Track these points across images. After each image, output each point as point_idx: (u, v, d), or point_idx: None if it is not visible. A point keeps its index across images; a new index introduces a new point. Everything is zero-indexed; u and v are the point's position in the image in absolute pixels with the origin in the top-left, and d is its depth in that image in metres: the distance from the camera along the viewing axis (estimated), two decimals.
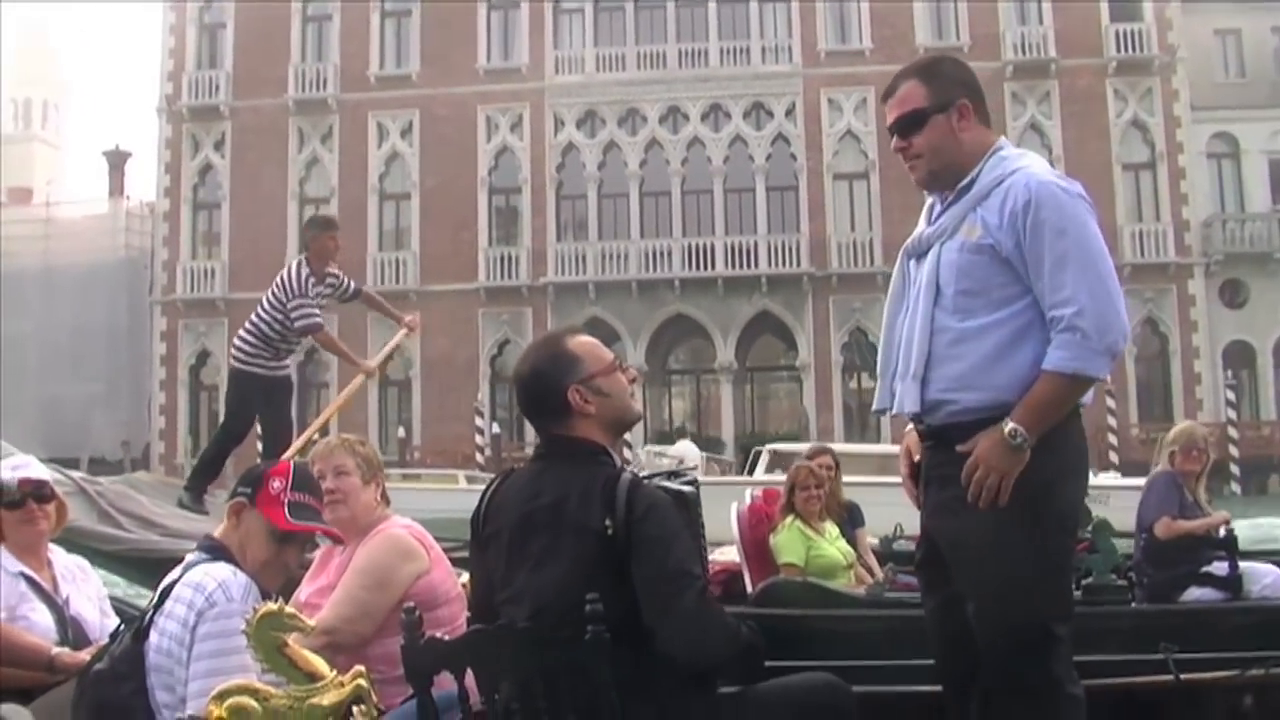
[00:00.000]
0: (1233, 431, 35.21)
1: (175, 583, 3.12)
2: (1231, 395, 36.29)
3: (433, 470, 33.38)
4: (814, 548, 6.31)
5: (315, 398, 37.94)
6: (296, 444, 8.01)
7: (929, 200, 3.50)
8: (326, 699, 2.52)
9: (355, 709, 2.59)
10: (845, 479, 7.71)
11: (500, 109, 39.72)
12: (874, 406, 3.59)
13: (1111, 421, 34.20)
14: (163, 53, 41.86)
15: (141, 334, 41.50)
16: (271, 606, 2.56)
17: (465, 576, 3.59)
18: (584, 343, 3.22)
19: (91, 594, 4.09)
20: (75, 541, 5.00)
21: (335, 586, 3.78)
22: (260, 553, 3.21)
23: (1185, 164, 38.40)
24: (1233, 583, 6.11)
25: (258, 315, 8.03)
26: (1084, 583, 5.70)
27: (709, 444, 35.87)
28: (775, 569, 6.20)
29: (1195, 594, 6.15)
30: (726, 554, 6.52)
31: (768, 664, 3.21)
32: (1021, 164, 3.29)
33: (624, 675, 2.82)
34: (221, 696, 2.53)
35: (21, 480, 3.91)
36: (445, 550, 4.02)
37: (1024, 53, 38.55)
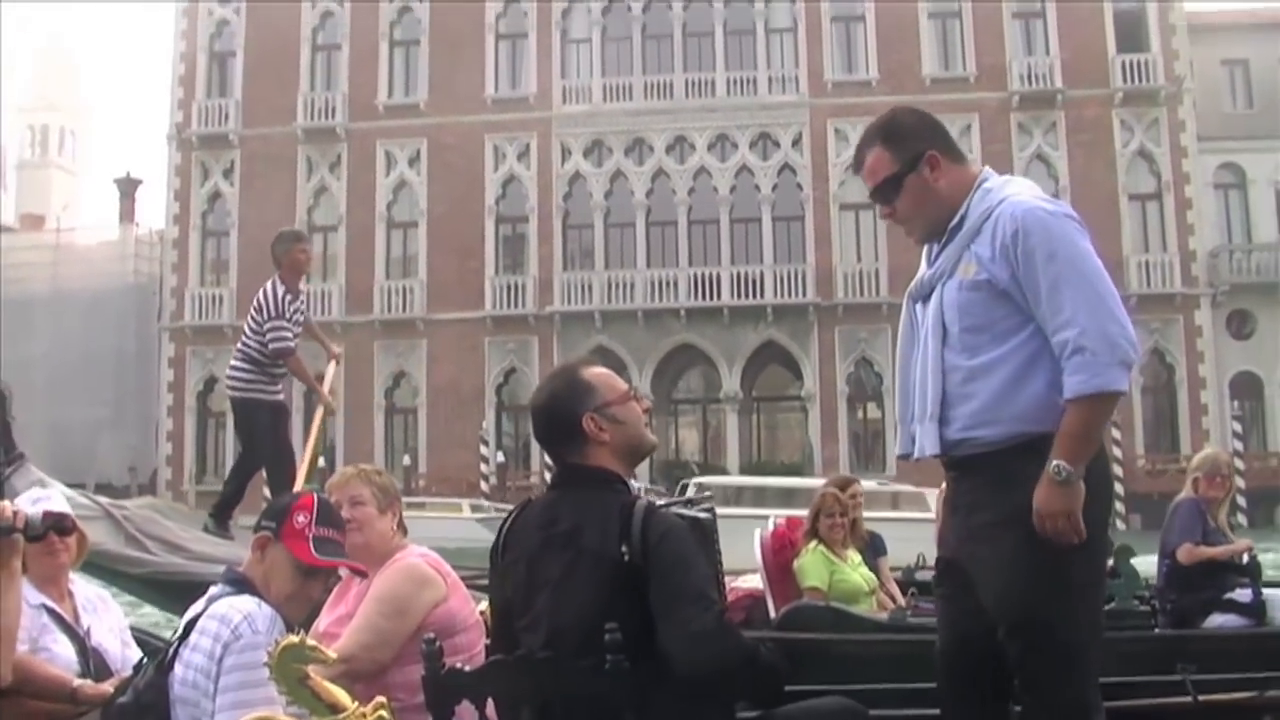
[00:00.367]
0: (1239, 462, 34.97)
1: (200, 615, 3.16)
2: (1238, 426, 36.17)
3: (437, 499, 33.46)
4: (837, 572, 6.38)
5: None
6: (300, 478, 7.98)
7: (926, 246, 3.54)
8: None
9: None
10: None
11: (508, 138, 39.89)
12: (897, 452, 3.62)
13: (1117, 452, 34.04)
14: (173, 81, 42.16)
15: (149, 360, 41.75)
16: (293, 639, 2.58)
17: (484, 604, 3.61)
18: (598, 373, 3.25)
19: (113, 625, 4.12)
20: (102, 565, 5.07)
21: (353, 615, 3.80)
22: (285, 586, 3.23)
23: (1192, 194, 38.37)
24: (1256, 609, 6.09)
25: (244, 341, 8.01)
26: (1107, 608, 5.75)
27: (712, 473, 35.87)
28: (798, 594, 6.24)
29: (1218, 620, 6.13)
30: (750, 580, 6.56)
31: (792, 688, 3.25)
32: (1006, 192, 3.31)
33: (643, 701, 2.85)
34: None
35: (45, 513, 3.87)
36: (463, 578, 4.04)
37: (1030, 83, 38.60)
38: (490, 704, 2.96)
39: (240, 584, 3.25)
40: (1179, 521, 6.43)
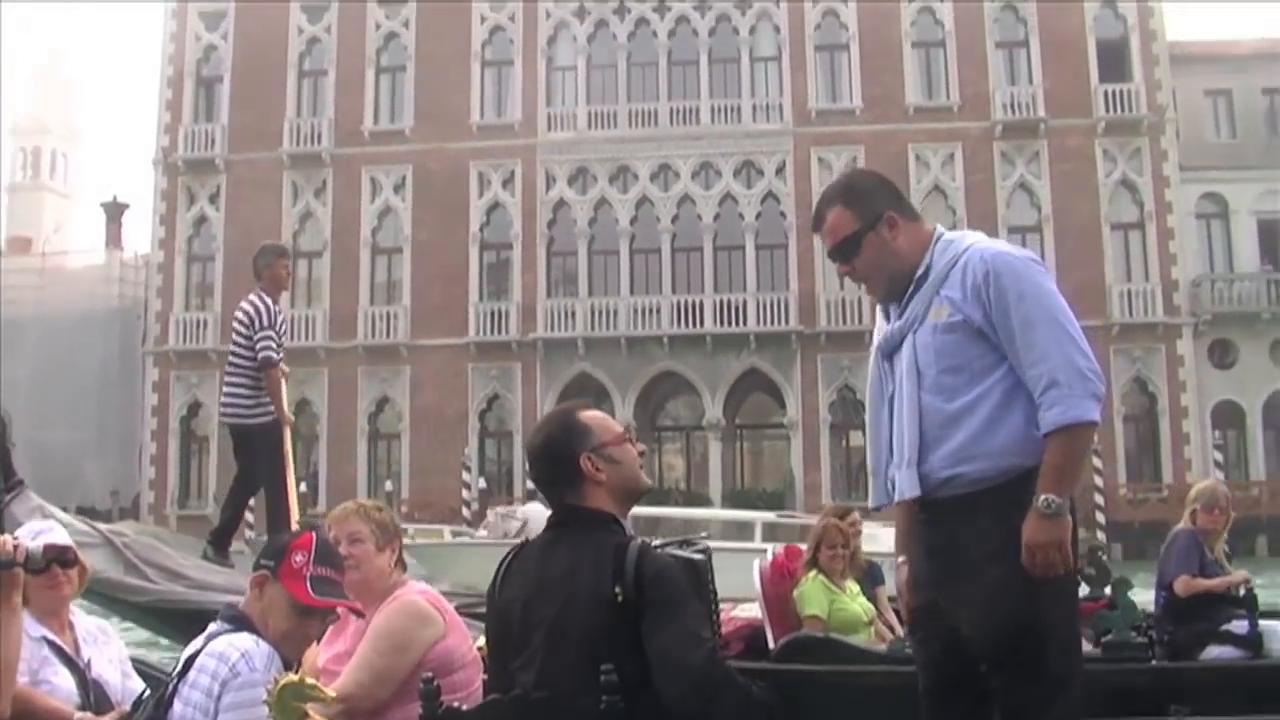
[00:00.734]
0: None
1: (199, 652, 3.19)
2: (1219, 455, 36.24)
3: (420, 525, 33.40)
4: (836, 602, 6.39)
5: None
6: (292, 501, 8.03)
7: (880, 303, 3.61)
8: None
9: None
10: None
11: (492, 164, 39.97)
12: (870, 504, 3.69)
13: (1099, 481, 34.09)
14: (159, 105, 42.24)
15: (133, 384, 41.73)
16: (293, 677, 2.61)
17: (482, 640, 3.63)
18: (594, 415, 3.30)
19: (113, 656, 4.14)
20: (102, 593, 5.08)
21: (351, 653, 3.81)
22: (282, 624, 3.26)
23: (1174, 224, 38.48)
24: (1253, 641, 6.07)
25: (234, 360, 7.99)
26: (1104, 639, 5.76)
27: (695, 500, 35.90)
28: (797, 624, 6.25)
29: (1215, 652, 6.13)
30: (748, 610, 6.55)
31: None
32: (969, 241, 3.44)
33: None
34: None
35: (46, 546, 3.90)
36: (462, 606, 4.05)
37: (1013, 112, 38.76)
38: None
39: (239, 621, 3.28)
40: (1176, 553, 6.45)
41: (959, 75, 39.32)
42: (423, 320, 39.13)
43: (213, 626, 3.30)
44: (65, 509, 6.11)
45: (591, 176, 39.77)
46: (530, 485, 36.17)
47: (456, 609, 4.08)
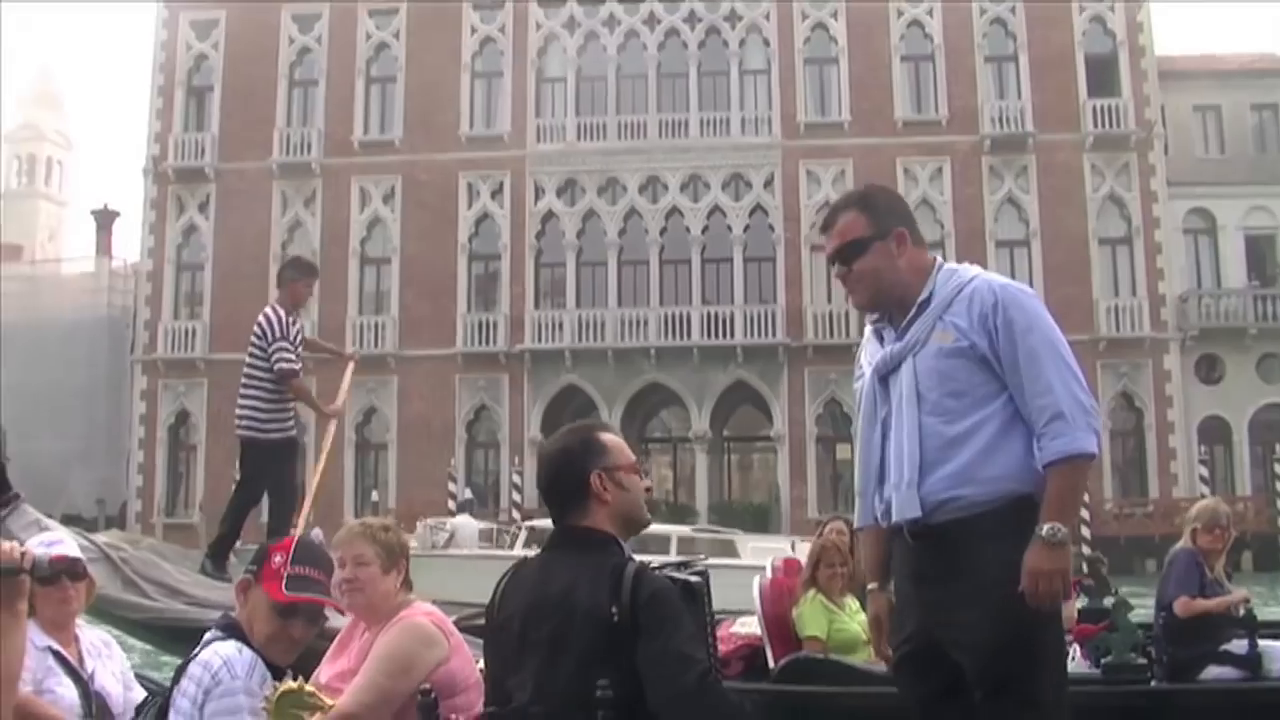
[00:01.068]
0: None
1: (190, 660, 3.23)
2: (1205, 470, 36.27)
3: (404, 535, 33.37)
4: (836, 622, 6.31)
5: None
6: (305, 509, 8.00)
7: (871, 330, 3.68)
8: None
9: None
10: None
11: (481, 176, 40.00)
12: (856, 524, 3.71)
13: (1085, 496, 34.01)
14: (150, 114, 42.28)
15: (121, 392, 41.72)
16: (292, 684, 2.65)
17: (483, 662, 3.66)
18: (613, 439, 3.34)
19: (116, 670, 4.16)
20: (101, 610, 5.03)
21: (355, 671, 3.81)
22: (265, 627, 3.29)
23: (1161, 239, 38.52)
24: (1252, 661, 6.05)
25: (249, 372, 7.96)
26: (1104, 661, 5.77)
27: (681, 513, 35.88)
28: (797, 643, 6.21)
29: (1214, 672, 6.11)
30: (748, 625, 6.54)
31: None
32: (974, 272, 3.51)
33: None
34: None
35: (55, 558, 3.88)
36: (464, 618, 4.05)
37: (1002, 126, 38.81)
38: None
39: (230, 629, 3.33)
40: (1176, 573, 6.41)
41: (948, 89, 39.38)
42: (411, 331, 39.15)
43: (208, 635, 3.34)
44: (50, 517, 6.09)
45: (580, 188, 39.78)
46: (463, 497, 36.35)
47: (458, 622, 4.10)
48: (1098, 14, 39.53)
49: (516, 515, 35.84)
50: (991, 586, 3.25)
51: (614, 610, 3.01)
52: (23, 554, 3.55)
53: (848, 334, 37.49)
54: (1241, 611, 6.38)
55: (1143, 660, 6.03)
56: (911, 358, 3.44)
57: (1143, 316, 37.83)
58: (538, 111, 40.56)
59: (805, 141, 39.20)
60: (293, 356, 7.87)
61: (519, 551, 21.20)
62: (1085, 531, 34.06)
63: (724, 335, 37.95)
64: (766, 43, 40.21)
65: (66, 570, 3.96)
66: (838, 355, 37.43)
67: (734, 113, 39.83)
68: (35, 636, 3.80)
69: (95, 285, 43.95)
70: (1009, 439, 3.35)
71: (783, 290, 38.50)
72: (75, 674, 3.96)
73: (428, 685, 3.13)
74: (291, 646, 3.35)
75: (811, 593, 6.38)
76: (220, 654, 3.19)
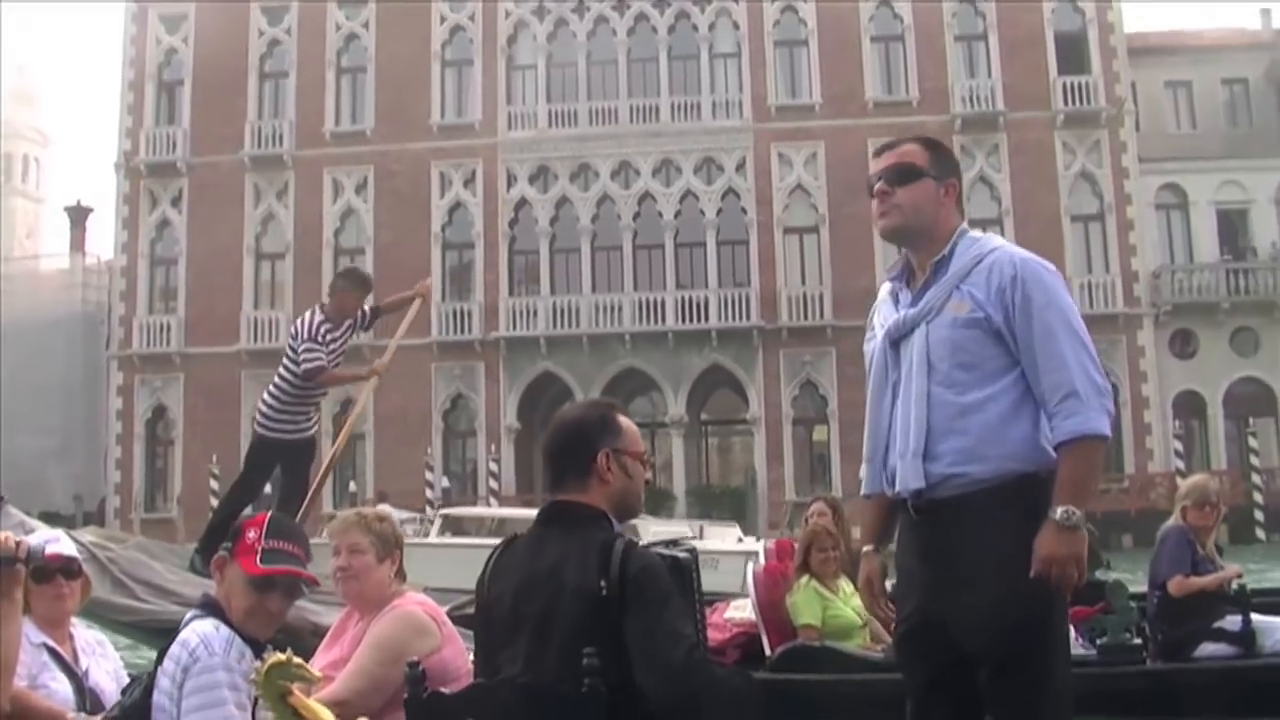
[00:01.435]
0: (1181, 481, 35.16)
1: (172, 641, 3.25)
2: (1180, 445, 36.38)
3: None
4: (830, 608, 6.29)
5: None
6: (327, 464, 8.17)
7: (887, 289, 3.62)
8: None
9: None
10: None
11: (454, 164, 39.95)
12: (864, 490, 3.63)
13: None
14: (121, 109, 42.15)
15: (97, 388, 41.67)
16: (280, 656, 2.62)
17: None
18: (629, 423, 3.35)
19: (110, 669, 4.20)
20: (91, 612, 5.02)
21: (348, 659, 3.86)
22: (242, 601, 3.28)
23: (1134, 215, 38.58)
24: (1245, 638, 6.10)
25: (279, 377, 8.01)
26: (1100, 643, 5.76)
27: (659, 497, 35.92)
28: (792, 630, 6.21)
29: (1209, 649, 6.14)
30: (742, 609, 6.55)
31: None
32: (996, 243, 3.47)
33: None
34: None
35: (51, 555, 3.96)
36: (458, 609, 4.09)
37: (973, 105, 38.82)
38: None
39: (210, 607, 3.33)
40: (1168, 552, 6.41)
41: (918, 70, 39.38)
42: (385, 321, 38.81)
43: (188, 615, 3.35)
44: (29, 514, 6.05)
45: (552, 175, 39.74)
46: (440, 485, 36.36)
47: (449, 612, 4.13)
48: None
49: (494, 502, 35.88)
50: (994, 565, 3.22)
51: (603, 585, 3.03)
52: (18, 544, 3.60)
53: (822, 316, 37.63)
54: (1234, 587, 6.39)
55: (1138, 640, 6.12)
56: (925, 325, 3.40)
57: (1116, 293, 37.89)
58: (509, 99, 40.50)
59: (776, 124, 39.19)
60: (320, 355, 7.91)
61: (434, 540, 21.17)
62: None
63: (698, 319, 37.95)
64: (736, 26, 40.14)
65: (62, 568, 4.01)
66: (812, 337, 37.62)
67: (705, 97, 39.78)
68: (30, 633, 3.86)
69: (70, 282, 43.92)
70: (1019, 416, 3.30)
71: (756, 273, 38.50)
72: (70, 670, 4.00)
73: (415, 659, 3.13)
74: (269, 620, 3.35)
75: (805, 579, 6.36)
76: (198, 632, 3.20)
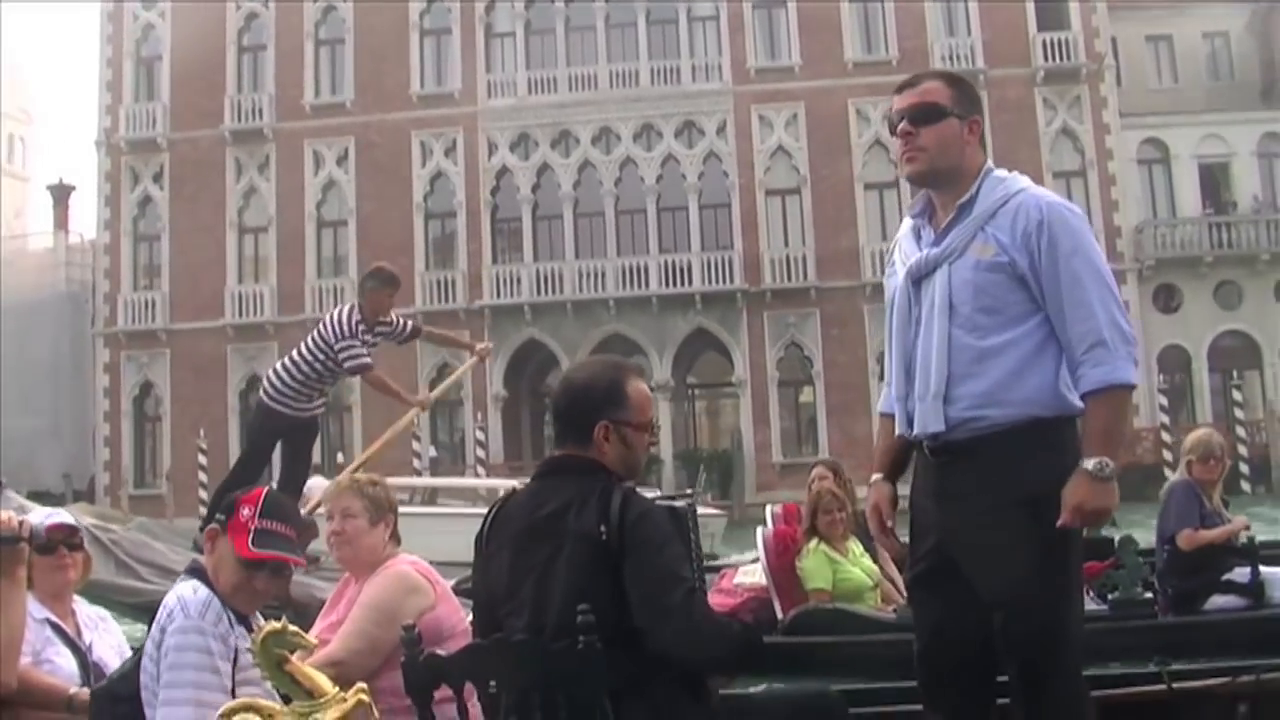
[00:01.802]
0: (1166, 436, 35.33)
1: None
2: (1164, 400, 36.44)
3: None
4: (840, 570, 6.29)
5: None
6: (350, 468, 8.03)
7: (909, 224, 3.57)
8: (329, 715, 2.57)
9: None
10: None
11: (434, 134, 39.85)
12: (897, 431, 3.57)
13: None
14: (100, 86, 42.00)
15: (84, 367, 41.67)
16: (276, 625, 2.62)
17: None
18: (639, 390, 3.31)
19: (114, 643, 4.21)
20: (97, 595, 5.01)
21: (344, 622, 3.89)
22: (230, 577, 3.30)
23: (1115, 170, 38.53)
24: (1254, 589, 6.12)
25: (299, 355, 7.98)
26: (1111, 597, 5.80)
27: (646, 462, 35.91)
28: (803, 594, 6.21)
29: (1219, 601, 6.16)
30: (751, 574, 6.55)
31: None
32: (1022, 184, 3.39)
33: (619, 681, 2.93)
34: (227, 715, 2.59)
35: (52, 526, 3.98)
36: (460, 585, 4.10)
37: (952, 63, 38.29)
38: (469, 694, 3.06)
39: (195, 573, 3.36)
40: (1175, 506, 6.42)
41: (897, 29, 39.21)
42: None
43: (179, 580, 3.39)
44: (19, 493, 6.05)
45: (533, 142, 39.63)
46: (428, 455, 36.40)
47: (454, 588, 4.14)
48: None
49: (482, 471, 35.97)
50: (1010, 509, 3.22)
51: (603, 530, 3.05)
52: (20, 523, 3.64)
53: (805, 277, 37.66)
54: (1242, 539, 6.42)
55: (1148, 595, 6.15)
56: (947, 265, 3.36)
57: (1099, 248, 37.75)
58: (488, 67, 40.34)
59: (756, 86, 39.08)
60: (364, 352, 7.94)
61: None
62: None
63: (682, 283, 37.94)
64: None
65: (64, 540, 4.02)
66: (796, 299, 37.64)
67: (684, 60, 39.64)
68: (33, 609, 3.87)
69: (54, 261, 43.85)
70: (1039, 362, 3.28)
71: (739, 236, 38.45)
72: (73, 645, 4.01)
73: (411, 622, 3.15)
74: (255, 597, 3.37)
75: (814, 542, 6.35)
76: (178, 593, 3.25)
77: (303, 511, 6.66)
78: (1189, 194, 39.14)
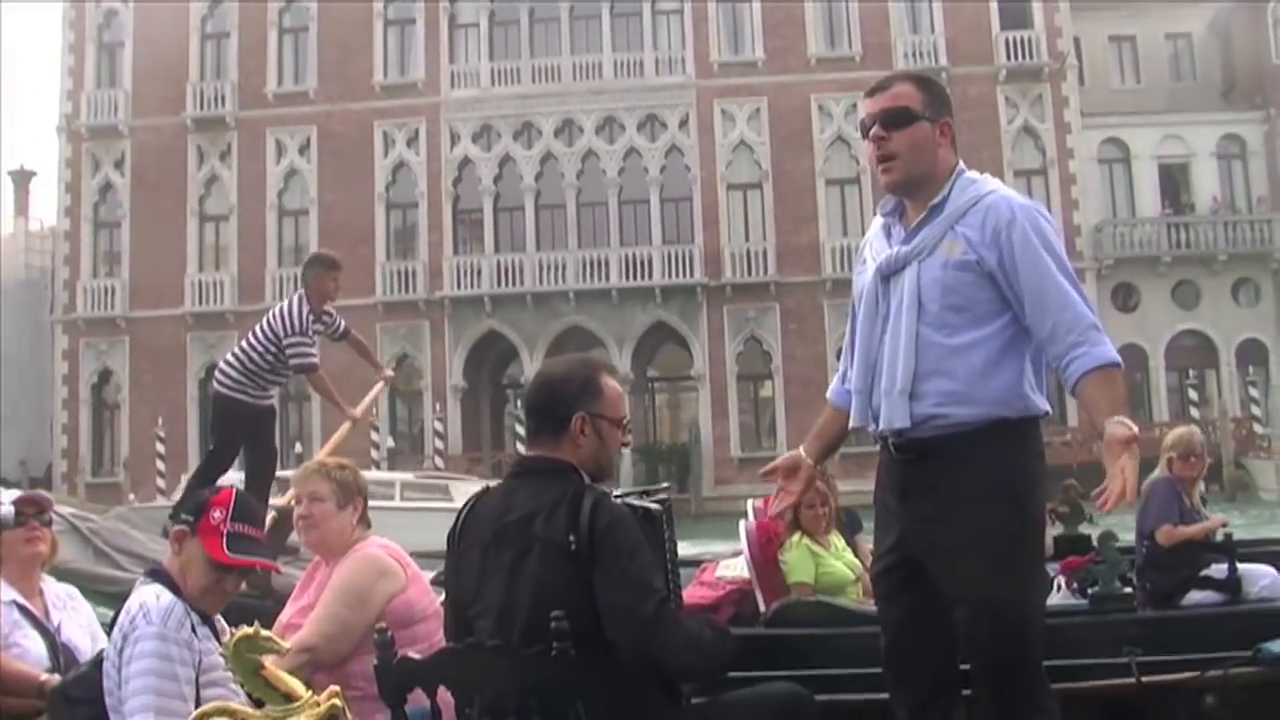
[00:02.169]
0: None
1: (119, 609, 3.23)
2: None
3: None
4: (822, 564, 6.23)
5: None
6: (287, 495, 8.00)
7: (880, 223, 3.56)
8: (303, 718, 2.54)
9: None
10: None
11: (396, 124, 39.80)
12: (852, 423, 3.58)
13: None
14: (62, 71, 41.78)
15: (43, 354, 41.44)
16: (248, 630, 2.58)
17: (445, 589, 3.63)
18: (613, 387, 3.33)
19: (83, 622, 4.17)
20: (78, 585, 4.94)
21: (315, 606, 3.85)
22: (200, 580, 3.27)
23: (1076, 170, 38.77)
24: (1232, 584, 6.14)
25: (248, 344, 7.80)
26: (1091, 592, 5.85)
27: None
28: (786, 587, 6.14)
29: (1196, 597, 6.19)
30: (732, 568, 6.49)
31: (785, 673, 3.42)
32: (992, 186, 3.39)
33: (591, 688, 2.91)
34: (199, 718, 2.56)
35: (21, 498, 3.99)
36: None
37: (916, 60, 38.63)
38: (442, 694, 3.01)
39: (156, 575, 3.31)
40: (1156, 503, 6.44)
41: (861, 25, 39.32)
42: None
43: (138, 583, 3.35)
44: None
45: (496, 133, 39.62)
46: (386, 446, 36.34)
47: (431, 582, 4.10)
48: None
49: (440, 462, 35.91)
50: (970, 502, 3.23)
51: (572, 539, 3.03)
52: None
53: (765, 272, 37.70)
54: (1220, 536, 6.44)
55: (1128, 590, 6.10)
56: (917, 263, 3.35)
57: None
58: (451, 58, 40.29)
59: (719, 80, 39.14)
60: (312, 351, 7.77)
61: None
62: None
63: (643, 276, 37.97)
64: None
65: (34, 514, 4.01)
66: (756, 293, 37.70)
67: (648, 53, 39.69)
68: (1, 590, 3.84)
69: (14, 247, 43.56)
70: (1006, 361, 3.28)
71: (700, 230, 38.53)
72: (41, 627, 3.97)
73: (384, 624, 3.10)
74: (223, 598, 3.35)
75: (797, 536, 6.30)
76: (140, 599, 3.21)
77: (280, 502, 6.70)
78: (1148, 194, 39.39)
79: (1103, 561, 6.02)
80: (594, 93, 39.32)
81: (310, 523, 3.96)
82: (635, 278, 38.00)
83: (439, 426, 37.43)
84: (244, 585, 3.60)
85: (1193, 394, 36.95)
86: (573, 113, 39.31)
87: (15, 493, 4.14)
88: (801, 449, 3.69)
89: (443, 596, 3.61)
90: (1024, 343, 3.30)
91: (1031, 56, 39.01)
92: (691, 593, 5.59)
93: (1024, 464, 3.26)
